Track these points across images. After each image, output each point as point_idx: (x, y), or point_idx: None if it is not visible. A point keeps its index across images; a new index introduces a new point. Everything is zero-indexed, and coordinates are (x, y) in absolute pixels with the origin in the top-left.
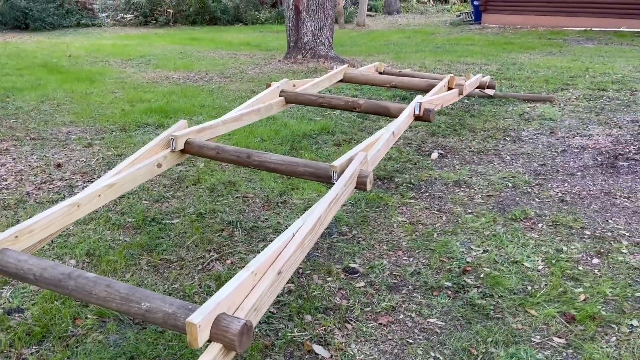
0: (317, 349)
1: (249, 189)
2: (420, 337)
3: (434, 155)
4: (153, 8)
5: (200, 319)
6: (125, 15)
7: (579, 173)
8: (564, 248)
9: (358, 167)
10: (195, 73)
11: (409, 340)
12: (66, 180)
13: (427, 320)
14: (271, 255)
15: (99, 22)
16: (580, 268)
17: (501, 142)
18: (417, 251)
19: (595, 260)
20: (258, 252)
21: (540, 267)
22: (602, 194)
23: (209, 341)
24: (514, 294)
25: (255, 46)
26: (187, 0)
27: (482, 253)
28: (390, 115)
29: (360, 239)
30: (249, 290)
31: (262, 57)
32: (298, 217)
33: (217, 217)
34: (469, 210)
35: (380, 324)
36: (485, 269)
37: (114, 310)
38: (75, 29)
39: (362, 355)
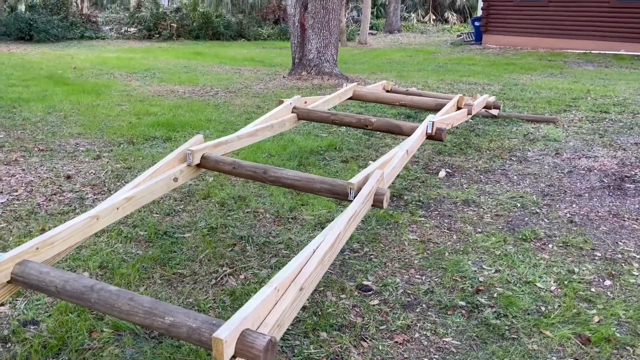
0: None
1: (259, 204)
2: (437, 357)
3: (442, 173)
4: (157, 22)
5: (227, 334)
6: (128, 29)
7: (587, 194)
8: (576, 269)
9: (375, 185)
10: (200, 87)
11: (425, 359)
12: (76, 192)
13: (443, 339)
14: (293, 271)
15: (102, 35)
16: (593, 289)
17: (507, 162)
18: (429, 269)
19: (607, 282)
20: (271, 267)
21: (552, 288)
22: (611, 216)
23: (234, 357)
24: (528, 314)
25: (259, 62)
26: (191, 15)
27: (494, 273)
28: (403, 133)
29: (372, 257)
30: (272, 306)
31: (266, 72)
32: (309, 233)
33: (228, 232)
34: (479, 230)
35: (396, 342)
36: (498, 288)
37: (137, 323)
38: (79, 42)
39: None
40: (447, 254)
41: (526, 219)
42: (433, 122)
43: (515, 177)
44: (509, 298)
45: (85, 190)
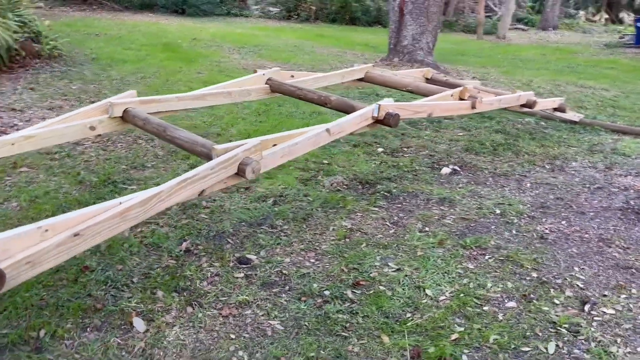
0: (137, 322)
1: None
2: (246, 335)
3: (445, 170)
4: (297, 4)
5: None
6: (271, 9)
7: (592, 213)
8: (489, 285)
9: (241, 154)
10: (289, 65)
11: (232, 336)
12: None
13: (269, 321)
14: (76, 217)
15: (246, 13)
16: (485, 308)
17: (537, 169)
18: (328, 256)
19: (511, 304)
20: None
21: (441, 298)
22: (597, 239)
23: None
24: (386, 317)
25: (372, 47)
26: None
27: (393, 271)
28: None
29: (283, 235)
30: (33, 244)
31: (365, 57)
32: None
33: None
34: (426, 229)
35: (221, 314)
36: (379, 287)
37: None
38: (225, 18)
39: (173, 338)
40: (364, 245)
41: (492, 227)
42: (379, 105)
43: (528, 184)
44: (380, 298)
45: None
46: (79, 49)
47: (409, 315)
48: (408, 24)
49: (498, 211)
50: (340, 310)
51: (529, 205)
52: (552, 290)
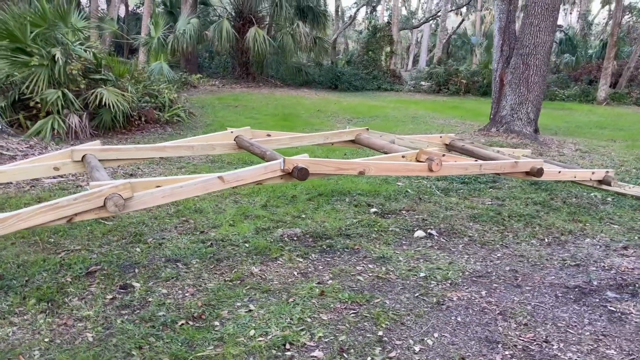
0: None
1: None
2: (57, 341)
3: (419, 233)
4: (448, 78)
5: None
6: (423, 83)
7: (529, 288)
8: (319, 334)
9: (107, 190)
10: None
11: (46, 339)
12: None
13: (86, 332)
14: None
15: (397, 88)
16: (288, 353)
17: (531, 241)
18: (203, 292)
19: (317, 353)
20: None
21: (253, 335)
22: (499, 312)
23: None
24: (187, 345)
25: (486, 117)
26: (482, 72)
27: (245, 311)
28: None
29: (185, 271)
30: None
31: (467, 127)
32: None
33: None
34: (329, 281)
35: (59, 324)
36: (214, 322)
37: None
38: (374, 92)
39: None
40: (247, 287)
41: (398, 288)
42: (284, 159)
43: (498, 254)
44: (198, 330)
45: None
46: (205, 117)
47: (209, 346)
48: (507, 94)
49: (423, 274)
50: (154, 334)
51: (466, 273)
52: (378, 348)
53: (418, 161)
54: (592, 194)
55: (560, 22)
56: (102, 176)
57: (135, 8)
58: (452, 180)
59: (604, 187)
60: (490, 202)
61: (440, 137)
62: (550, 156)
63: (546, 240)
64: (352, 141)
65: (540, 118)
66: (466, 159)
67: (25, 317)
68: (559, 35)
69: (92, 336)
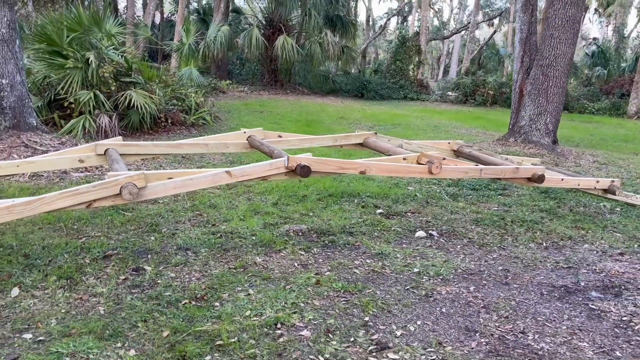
0: (14, 290)
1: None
2: (73, 312)
3: (419, 233)
4: (475, 88)
5: None
6: (450, 93)
7: (517, 285)
8: (309, 316)
9: (123, 180)
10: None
11: (62, 311)
12: None
13: (99, 306)
14: None
15: (424, 97)
16: (278, 331)
17: (530, 245)
18: (208, 277)
19: (305, 333)
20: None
21: (249, 315)
22: (483, 305)
23: None
24: (182, 320)
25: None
26: (509, 83)
27: (244, 295)
28: None
29: (194, 258)
30: None
31: (487, 136)
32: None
33: None
34: (327, 273)
35: (75, 298)
36: (215, 303)
37: None
38: (399, 101)
39: (24, 305)
40: (249, 274)
41: (390, 281)
42: (288, 157)
43: (494, 255)
44: (199, 309)
45: None
46: (230, 121)
47: (207, 323)
48: (526, 104)
49: (416, 270)
50: (159, 310)
51: (458, 270)
52: (362, 331)
53: (419, 163)
54: (601, 204)
55: (595, 34)
56: (120, 168)
57: (169, 15)
58: (462, 187)
59: (609, 196)
60: (496, 208)
61: (449, 143)
62: (565, 166)
63: (544, 244)
64: (360, 144)
65: (565, 130)
66: (467, 163)
67: (46, 292)
68: (592, 48)
69: (104, 310)
